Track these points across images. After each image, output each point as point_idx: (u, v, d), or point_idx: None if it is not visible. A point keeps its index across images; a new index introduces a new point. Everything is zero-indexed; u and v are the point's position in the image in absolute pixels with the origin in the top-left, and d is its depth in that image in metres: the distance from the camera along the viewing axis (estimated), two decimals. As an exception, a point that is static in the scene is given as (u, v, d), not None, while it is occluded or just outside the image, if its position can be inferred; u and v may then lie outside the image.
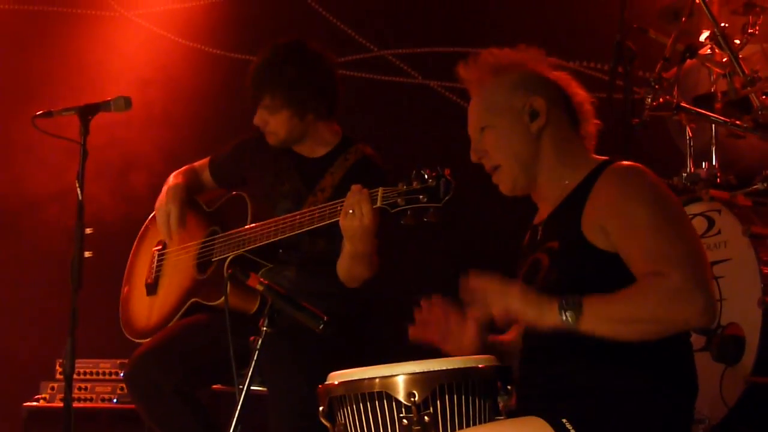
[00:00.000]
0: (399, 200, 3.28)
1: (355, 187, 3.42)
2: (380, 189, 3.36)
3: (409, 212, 3.27)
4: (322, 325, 2.97)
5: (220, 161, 4.26)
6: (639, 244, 2.57)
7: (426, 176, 3.24)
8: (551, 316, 2.54)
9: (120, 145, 5.55)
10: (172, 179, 4.17)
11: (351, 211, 3.40)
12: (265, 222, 3.77)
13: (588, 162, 2.81)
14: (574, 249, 2.67)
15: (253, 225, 3.81)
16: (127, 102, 3.97)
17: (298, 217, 3.65)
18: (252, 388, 2.94)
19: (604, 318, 2.52)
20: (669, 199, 2.66)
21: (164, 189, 4.14)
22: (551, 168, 2.82)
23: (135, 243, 4.38)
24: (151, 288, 4.19)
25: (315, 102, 3.93)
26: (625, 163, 2.75)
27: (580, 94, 2.89)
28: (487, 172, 2.89)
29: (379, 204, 3.35)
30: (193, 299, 3.96)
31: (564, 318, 2.52)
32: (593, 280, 2.60)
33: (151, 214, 4.28)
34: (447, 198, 3.23)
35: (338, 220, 3.46)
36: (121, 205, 5.41)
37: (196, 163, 4.32)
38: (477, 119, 2.88)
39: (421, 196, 3.24)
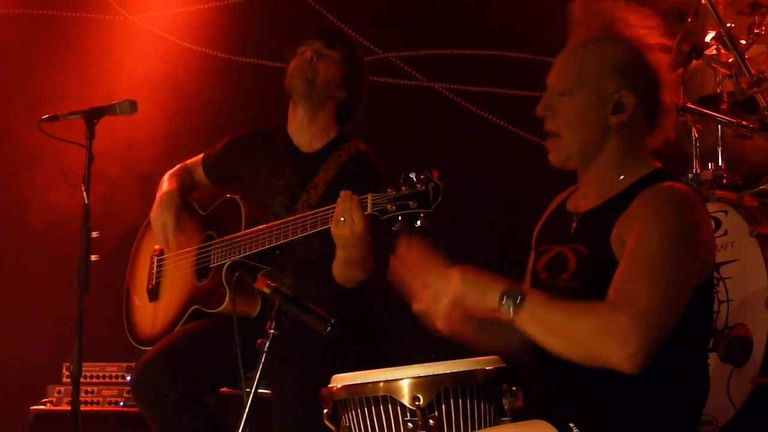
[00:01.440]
0: (389, 207, 3.25)
1: (344, 194, 3.39)
2: (369, 195, 3.34)
3: (399, 218, 3.25)
4: (328, 327, 2.96)
5: (212, 159, 4.25)
6: (624, 269, 2.51)
7: (415, 180, 3.20)
8: (492, 300, 2.50)
9: (126, 148, 5.56)
10: (166, 183, 4.16)
11: (342, 219, 3.38)
12: (260, 228, 3.76)
13: (643, 167, 2.73)
14: (601, 261, 2.61)
15: (249, 231, 3.80)
16: (133, 105, 3.97)
17: (291, 223, 3.64)
18: (259, 390, 2.94)
19: (538, 320, 2.49)
20: (690, 241, 2.55)
21: (158, 195, 4.13)
22: (609, 164, 2.73)
23: (134, 246, 4.38)
24: (153, 294, 4.19)
25: (358, 87, 4.04)
26: (670, 184, 2.64)
27: (672, 94, 2.77)
28: (543, 130, 2.77)
29: (369, 211, 3.33)
30: (194, 307, 3.96)
31: (502, 306, 2.49)
32: None
33: (147, 219, 4.28)
34: (437, 203, 3.19)
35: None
36: (127, 208, 5.41)
37: (189, 161, 4.31)
38: (562, 78, 2.76)
39: (410, 202, 3.20)
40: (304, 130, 4.03)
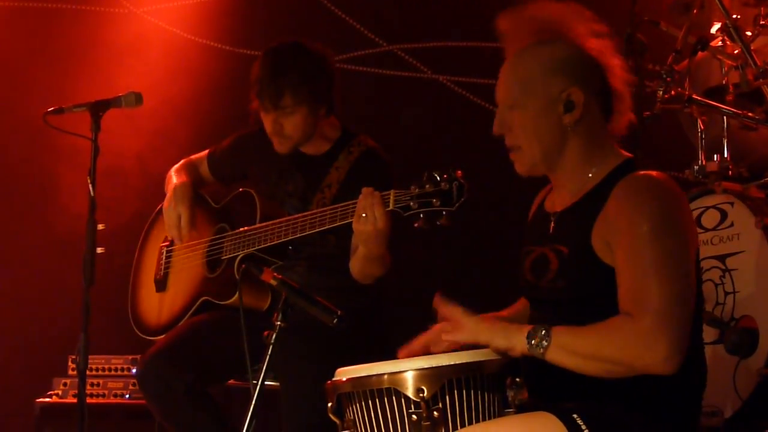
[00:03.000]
0: (411, 203, 3.24)
1: (366, 190, 3.38)
2: (392, 192, 3.33)
3: (422, 216, 3.24)
4: (335, 320, 2.97)
5: (218, 156, 4.24)
6: (627, 276, 2.53)
7: (438, 179, 3.19)
8: (521, 344, 2.56)
9: (130, 141, 5.57)
10: (176, 176, 4.15)
11: (364, 215, 3.38)
12: (276, 221, 3.75)
13: (612, 158, 2.73)
14: (582, 260, 2.63)
15: (263, 224, 3.80)
16: (138, 98, 3.97)
17: (309, 217, 3.64)
18: (265, 383, 2.94)
19: (569, 351, 2.52)
20: (677, 228, 2.57)
21: (170, 188, 4.11)
22: (575, 161, 2.74)
23: (141, 237, 4.38)
24: (161, 284, 4.19)
25: (329, 94, 3.91)
26: (643, 173, 2.64)
27: (616, 70, 2.76)
28: (505, 146, 2.80)
29: (391, 207, 3.32)
30: (203, 298, 3.96)
31: (532, 348, 2.53)
32: (600, 293, 2.60)
33: (156, 209, 4.28)
34: (460, 202, 3.19)
35: (350, 222, 3.45)
36: (132, 201, 5.42)
37: (194, 157, 4.29)
38: (508, 93, 2.77)
39: (434, 200, 3.19)
40: (308, 144, 4.01)
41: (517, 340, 2.56)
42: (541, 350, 2.53)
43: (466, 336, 2.63)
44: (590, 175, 2.73)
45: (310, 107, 3.85)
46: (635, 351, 2.45)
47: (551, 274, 2.70)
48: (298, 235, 3.67)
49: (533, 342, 2.54)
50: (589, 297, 2.62)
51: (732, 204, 4.01)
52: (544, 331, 2.53)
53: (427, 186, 3.21)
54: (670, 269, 2.50)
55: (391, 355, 2.74)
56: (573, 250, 2.67)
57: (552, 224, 2.80)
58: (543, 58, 2.73)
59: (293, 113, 3.85)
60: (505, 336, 2.58)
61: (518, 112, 2.74)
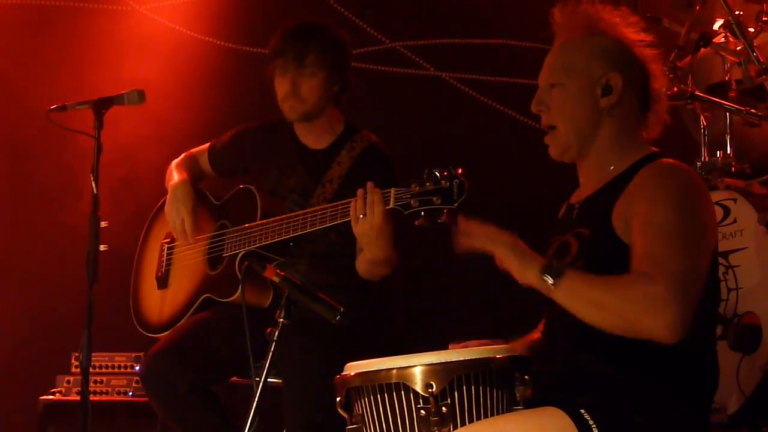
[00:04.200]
0: (412, 201, 3.24)
1: (360, 192, 3.39)
2: (392, 190, 3.33)
3: (423, 214, 3.24)
4: (338, 316, 2.97)
5: (219, 150, 4.23)
6: (645, 241, 2.54)
7: (439, 177, 3.20)
8: (532, 273, 2.54)
9: (133, 138, 5.56)
10: (176, 173, 4.14)
11: (362, 216, 3.38)
12: (277, 218, 3.75)
13: (639, 150, 2.77)
14: (603, 240, 2.65)
15: (265, 221, 3.80)
16: (141, 95, 3.98)
17: (309, 215, 3.64)
18: (268, 380, 2.94)
19: (578, 294, 2.52)
20: (697, 209, 2.60)
21: (171, 186, 4.11)
22: (605, 149, 2.77)
23: (142, 234, 4.37)
24: (162, 281, 4.18)
25: (346, 73, 3.95)
26: (670, 161, 2.70)
27: (660, 82, 2.82)
28: (541, 127, 2.83)
29: (391, 205, 3.32)
30: (205, 295, 3.96)
31: (543, 279, 2.52)
32: (617, 273, 2.57)
33: (157, 206, 4.28)
34: (461, 199, 3.19)
35: (350, 221, 3.45)
36: (134, 198, 5.42)
37: (194, 150, 4.29)
38: (551, 72, 2.81)
39: (434, 198, 3.19)
40: (311, 133, 4.01)
41: (530, 268, 2.55)
42: (549, 286, 2.52)
43: (486, 241, 2.60)
44: (615, 165, 2.76)
45: (329, 76, 3.90)
46: (644, 310, 2.44)
47: (571, 257, 2.70)
48: (300, 233, 3.67)
49: (546, 275, 2.52)
50: (604, 274, 2.58)
51: (735, 200, 4.01)
52: (559, 268, 2.52)
53: (428, 184, 3.21)
54: (688, 242, 2.52)
55: (393, 351, 2.73)
56: (594, 231, 2.69)
57: (575, 213, 2.83)
58: (590, 45, 2.79)
59: (313, 75, 3.88)
60: (521, 258, 2.57)
61: (558, 90, 2.79)
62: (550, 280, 2.52)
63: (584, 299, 2.51)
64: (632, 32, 2.81)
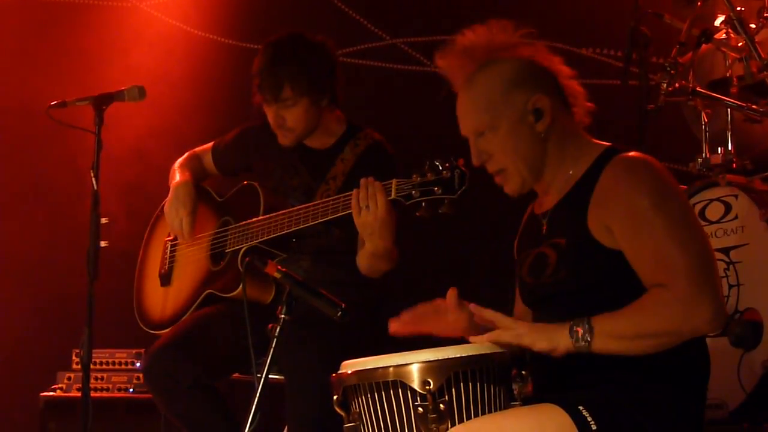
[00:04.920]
0: (413, 192, 3.25)
1: (363, 181, 3.39)
2: (394, 180, 3.34)
3: (423, 204, 3.24)
4: (339, 313, 2.97)
5: (223, 149, 4.23)
6: (645, 251, 2.54)
7: (440, 167, 3.21)
8: (564, 342, 2.54)
9: (134, 134, 5.56)
10: (179, 173, 4.14)
11: (366, 207, 3.38)
12: (279, 213, 3.75)
13: (590, 149, 2.75)
14: (582, 247, 2.64)
15: (267, 216, 3.80)
16: (141, 91, 3.99)
17: (311, 208, 3.63)
18: (269, 376, 2.94)
19: (614, 336, 2.52)
20: (675, 196, 2.61)
21: (172, 186, 4.11)
22: (557, 163, 2.76)
23: (146, 232, 4.38)
24: (165, 278, 4.19)
25: (330, 84, 3.90)
26: (630, 154, 2.68)
27: (566, 73, 2.79)
28: (489, 173, 2.80)
29: (393, 196, 3.33)
30: (207, 291, 3.95)
31: (576, 341, 2.52)
32: (602, 278, 2.61)
33: (162, 204, 4.28)
34: (462, 189, 3.20)
35: (352, 214, 3.45)
36: (135, 194, 5.42)
37: (198, 149, 4.29)
38: (474, 122, 2.77)
39: (435, 188, 3.20)
40: (313, 137, 3.99)
41: (559, 339, 2.54)
42: (587, 343, 2.52)
43: (509, 338, 2.58)
44: (571, 171, 2.74)
45: (312, 98, 3.85)
46: (681, 317, 2.46)
47: (550, 268, 2.70)
48: (302, 226, 3.67)
49: (577, 336, 2.52)
50: (593, 283, 2.62)
51: (736, 196, 4.01)
52: (585, 323, 2.52)
53: (429, 174, 3.23)
54: (684, 232, 2.53)
55: (396, 348, 2.73)
56: (570, 240, 2.68)
57: (544, 224, 2.81)
58: (494, 78, 2.75)
59: (294, 105, 3.84)
60: (548, 337, 2.56)
61: (490, 135, 2.75)
62: (583, 339, 2.52)
63: (623, 339, 2.52)
64: (513, 38, 2.78)
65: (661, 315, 2.48)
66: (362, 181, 3.40)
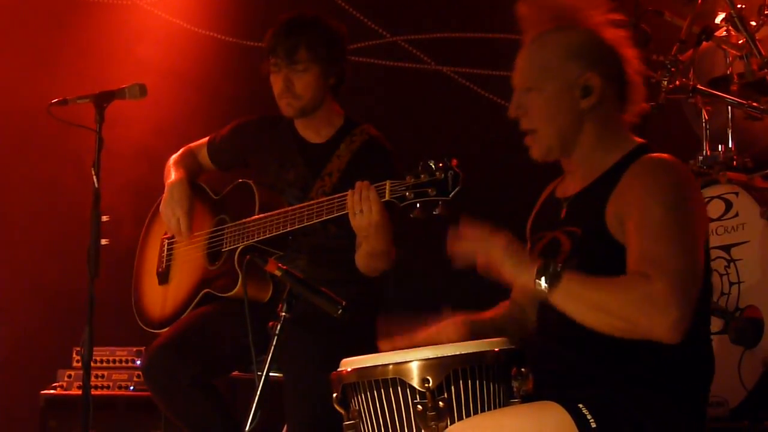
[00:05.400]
0: (407, 194, 3.24)
1: (358, 185, 3.39)
2: (387, 182, 3.33)
3: (418, 206, 3.24)
4: (340, 310, 2.97)
5: (218, 144, 4.22)
6: (640, 241, 2.53)
7: (434, 168, 3.20)
8: (527, 277, 2.53)
9: (134, 132, 5.56)
10: (174, 171, 4.12)
11: (360, 211, 3.38)
12: (275, 212, 3.75)
13: (625, 143, 2.75)
14: (596, 240, 2.64)
15: (262, 215, 3.79)
16: (142, 89, 3.99)
17: (307, 208, 3.63)
18: (270, 374, 2.94)
19: (576, 297, 2.51)
20: (689, 205, 2.59)
21: (167, 184, 4.10)
22: (590, 146, 2.75)
23: (143, 230, 4.37)
24: (163, 277, 4.18)
25: (341, 65, 3.92)
26: (658, 155, 2.67)
27: (633, 65, 2.78)
28: (520, 130, 2.80)
29: (387, 197, 3.32)
30: (205, 290, 3.95)
31: (539, 283, 2.51)
32: (612, 273, 2.57)
33: (157, 201, 4.28)
34: (455, 191, 3.19)
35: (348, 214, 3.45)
36: (136, 192, 5.42)
37: (193, 144, 4.27)
38: (525, 76, 2.78)
39: (429, 190, 3.20)
40: (310, 126, 4.00)
41: (525, 272, 2.53)
42: (546, 290, 2.50)
43: (481, 248, 2.58)
44: (605, 157, 2.73)
45: (323, 69, 3.86)
46: (646, 311, 2.43)
47: (563, 255, 2.69)
48: (298, 226, 3.66)
49: (541, 279, 2.51)
50: (597, 275, 2.57)
51: (737, 194, 4.01)
52: (554, 272, 2.50)
53: (423, 176, 3.22)
54: (682, 239, 2.51)
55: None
56: (587, 230, 2.67)
57: (564, 209, 2.80)
58: (561, 43, 2.75)
59: (306, 71, 3.84)
60: (516, 263, 2.55)
61: (535, 94, 2.75)
62: (545, 285, 2.50)
63: (582, 302, 2.51)
64: (597, 15, 2.76)
65: (629, 300, 2.45)
66: (357, 184, 3.40)
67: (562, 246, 2.71)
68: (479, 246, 2.60)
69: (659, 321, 2.42)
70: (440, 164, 3.18)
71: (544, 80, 2.74)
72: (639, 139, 2.77)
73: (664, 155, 2.68)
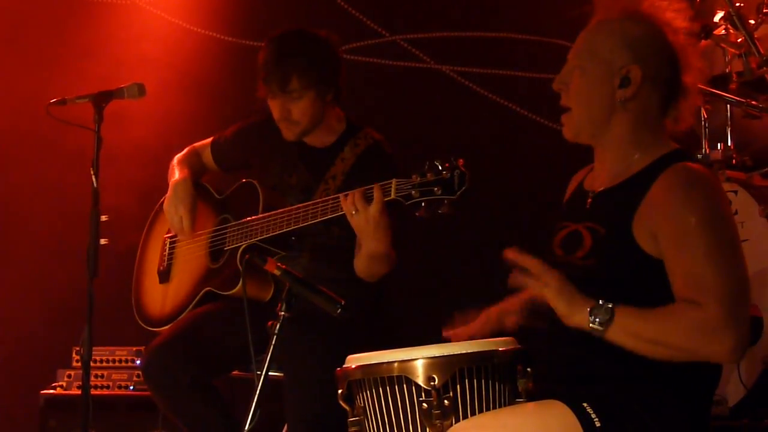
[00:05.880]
0: (413, 192, 3.25)
1: (350, 193, 3.41)
2: (393, 180, 3.33)
3: (423, 204, 3.24)
4: (339, 309, 2.97)
5: (222, 145, 4.22)
6: (685, 264, 2.52)
7: (440, 167, 3.20)
8: (581, 316, 2.52)
9: (134, 132, 5.56)
10: (178, 170, 4.13)
11: (354, 212, 3.40)
12: (278, 211, 3.75)
13: (660, 146, 2.71)
14: (620, 245, 2.62)
15: (266, 214, 3.79)
16: (141, 89, 3.98)
17: (311, 207, 3.63)
18: (269, 373, 2.94)
19: (631, 333, 2.51)
20: (726, 218, 2.59)
21: (171, 183, 4.10)
22: (620, 140, 2.73)
23: (145, 229, 4.37)
24: (164, 275, 4.18)
25: (336, 79, 3.90)
26: (691, 165, 2.63)
27: (694, 70, 2.74)
28: (559, 105, 2.79)
29: (393, 196, 3.33)
30: (206, 288, 3.95)
31: (593, 322, 2.51)
32: (631, 280, 2.59)
33: (160, 201, 4.28)
34: (462, 190, 3.19)
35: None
36: (135, 192, 5.41)
37: (197, 144, 4.27)
38: (577, 52, 2.77)
39: (435, 188, 3.20)
40: (313, 135, 3.99)
41: (578, 311, 2.53)
42: (602, 328, 2.50)
43: (534, 282, 2.57)
44: (635, 158, 2.72)
45: (318, 92, 3.84)
46: (703, 339, 2.44)
47: (583, 251, 2.69)
48: (301, 225, 3.66)
49: (596, 318, 2.50)
50: (619, 280, 2.59)
51: (736, 192, 4.01)
52: (608, 310, 2.50)
53: (429, 175, 3.22)
54: (727, 257, 2.51)
55: (395, 345, 2.73)
56: (610, 232, 2.66)
57: (589, 203, 2.79)
58: (619, 31, 2.73)
59: (301, 98, 3.83)
60: (569, 302, 2.54)
61: (579, 72, 2.75)
62: (599, 325, 2.50)
63: (638, 338, 2.51)
64: (674, 19, 2.74)
65: (685, 330, 2.46)
66: (349, 192, 3.41)
67: (584, 241, 2.70)
68: (534, 279, 2.58)
69: (718, 348, 2.44)
70: (446, 163, 3.19)
71: (591, 62, 2.73)
72: (675, 145, 2.74)
73: (697, 166, 2.65)
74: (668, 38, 2.72)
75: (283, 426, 3.88)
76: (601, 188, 2.77)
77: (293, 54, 3.82)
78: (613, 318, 2.50)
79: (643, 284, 2.58)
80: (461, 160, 3.19)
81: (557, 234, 2.83)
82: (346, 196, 3.43)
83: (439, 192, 3.19)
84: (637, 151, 2.72)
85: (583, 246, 2.70)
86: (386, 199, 3.36)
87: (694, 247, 2.51)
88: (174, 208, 4.03)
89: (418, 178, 3.24)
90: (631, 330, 2.50)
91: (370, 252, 3.57)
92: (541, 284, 2.56)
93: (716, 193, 2.61)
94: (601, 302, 2.51)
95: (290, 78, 3.80)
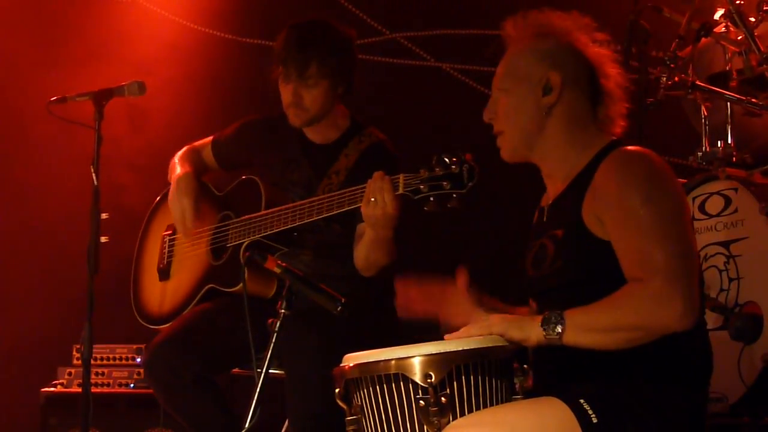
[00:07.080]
0: (422, 186, 3.25)
1: (377, 174, 3.38)
2: (401, 175, 3.33)
3: (432, 199, 3.25)
4: (339, 307, 2.97)
5: (223, 143, 4.22)
6: (627, 244, 2.58)
7: (449, 162, 3.21)
8: (535, 333, 2.56)
9: (133, 130, 5.56)
10: (179, 166, 4.13)
11: (373, 200, 3.38)
12: (281, 207, 3.75)
13: (597, 141, 2.78)
14: (576, 238, 2.68)
15: (268, 211, 3.80)
16: (141, 87, 3.99)
17: (316, 202, 3.63)
18: (270, 371, 2.94)
19: (586, 329, 2.54)
20: (667, 194, 2.62)
21: (174, 178, 4.11)
22: (557, 146, 2.80)
23: (142, 227, 4.37)
24: (164, 273, 4.18)
25: (351, 75, 3.92)
26: (629, 148, 2.71)
27: (612, 76, 2.83)
28: (492, 133, 2.88)
29: (401, 191, 3.33)
30: (209, 285, 3.95)
31: (547, 333, 2.54)
32: (597, 269, 2.63)
33: (157, 199, 4.28)
34: (471, 184, 3.20)
35: (356, 207, 3.45)
36: (135, 189, 5.42)
37: (197, 144, 4.27)
38: (499, 80, 2.86)
39: (444, 183, 3.21)
40: (316, 130, 3.99)
41: (531, 330, 2.57)
42: (557, 335, 2.54)
43: (479, 330, 2.61)
44: (577, 159, 2.78)
45: (332, 82, 3.86)
46: (652, 312, 2.48)
47: (549, 259, 2.74)
48: (305, 221, 3.66)
49: (548, 328, 2.54)
50: (588, 274, 2.65)
51: (736, 190, 4.01)
52: (556, 316, 2.55)
53: (437, 169, 3.22)
54: (667, 230, 2.55)
55: (396, 342, 2.73)
56: (567, 231, 2.72)
57: (546, 215, 2.86)
58: (533, 48, 2.83)
59: (316, 85, 3.84)
60: (520, 327, 2.59)
61: (504, 96, 2.84)
62: (553, 332, 2.54)
63: (594, 331, 2.54)
64: (582, 34, 2.83)
65: (632, 309, 2.50)
66: (375, 174, 3.40)
67: (548, 250, 2.75)
68: (478, 328, 2.62)
69: (668, 316, 2.47)
70: (455, 158, 3.20)
71: (512, 83, 2.82)
72: (612, 136, 2.81)
73: (635, 147, 2.72)
74: (579, 48, 2.82)
75: (284, 423, 3.88)
76: (554, 197, 2.84)
77: (316, 41, 3.84)
78: (564, 320, 2.54)
79: (609, 271, 2.61)
80: (469, 155, 3.21)
81: (527, 257, 2.88)
82: (374, 180, 3.40)
83: (449, 186, 3.20)
84: (575, 151, 2.79)
85: (547, 254, 2.75)
86: (395, 193, 3.36)
87: (635, 227, 2.56)
88: (177, 201, 4.03)
89: (427, 173, 3.25)
90: (585, 326, 2.54)
91: (374, 237, 3.57)
92: (486, 330, 2.60)
93: (655, 169, 2.65)
94: (547, 313, 2.56)
95: (310, 64, 3.81)
